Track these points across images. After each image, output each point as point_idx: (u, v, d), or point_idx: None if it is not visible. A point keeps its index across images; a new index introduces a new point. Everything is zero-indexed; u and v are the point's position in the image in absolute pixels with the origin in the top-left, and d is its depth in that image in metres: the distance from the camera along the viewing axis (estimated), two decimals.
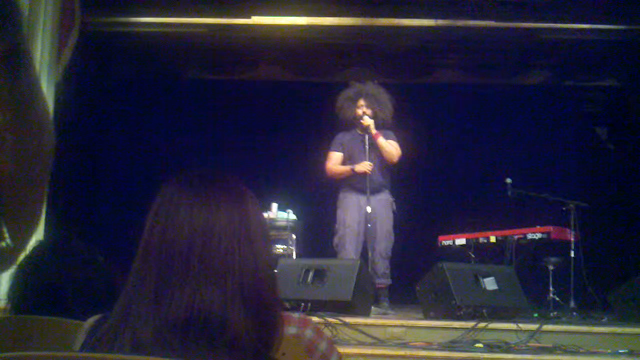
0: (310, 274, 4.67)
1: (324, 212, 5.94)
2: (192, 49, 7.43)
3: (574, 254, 5.61)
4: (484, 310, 4.38)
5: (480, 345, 3.77)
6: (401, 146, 5.48)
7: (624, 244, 6.99)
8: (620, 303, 4.88)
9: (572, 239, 5.66)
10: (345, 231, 5.32)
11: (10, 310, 1.69)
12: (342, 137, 5.57)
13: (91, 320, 1.15)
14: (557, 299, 5.51)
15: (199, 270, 1.04)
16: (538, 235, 5.77)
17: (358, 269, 4.59)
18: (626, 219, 7.13)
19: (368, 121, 5.36)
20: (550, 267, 5.61)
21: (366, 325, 4.09)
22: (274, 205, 6.13)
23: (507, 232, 5.95)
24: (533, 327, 4.05)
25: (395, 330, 4.13)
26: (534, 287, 5.46)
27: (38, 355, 1.03)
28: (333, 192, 5.56)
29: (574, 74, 7.65)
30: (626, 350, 3.83)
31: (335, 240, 5.38)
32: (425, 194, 7.25)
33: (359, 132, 5.46)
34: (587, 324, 4.50)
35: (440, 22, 6.72)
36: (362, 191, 5.31)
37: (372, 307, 4.82)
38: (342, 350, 1.39)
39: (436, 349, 3.71)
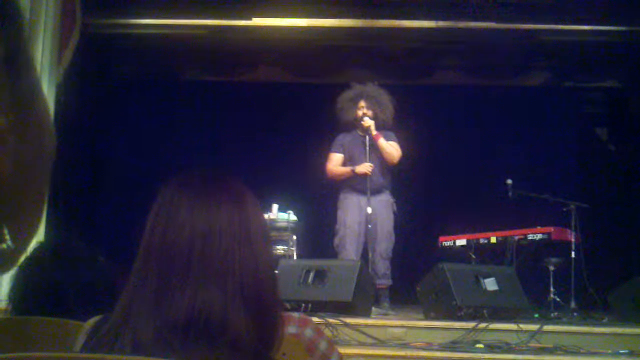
0: (311, 275, 4.67)
1: (324, 213, 5.94)
2: (192, 50, 7.44)
3: (575, 255, 5.61)
4: (484, 311, 4.38)
5: (481, 345, 3.77)
6: (402, 147, 5.48)
7: (625, 244, 6.99)
8: (620, 303, 4.88)
9: (573, 240, 5.65)
10: (346, 232, 5.32)
11: (11, 311, 1.69)
12: (342, 138, 5.58)
13: (92, 321, 1.15)
14: (558, 299, 5.50)
15: (200, 271, 1.04)
16: (539, 236, 5.77)
17: (358, 269, 4.59)
18: (626, 219, 7.13)
19: (368, 122, 5.36)
20: (551, 268, 5.61)
21: (367, 325, 4.09)
22: (275, 206, 6.12)
23: (507, 233, 5.94)
24: (534, 327, 4.05)
25: (396, 330, 4.13)
26: (535, 288, 5.45)
27: (39, 356, 1.03)
28: (333, 193, 5.57)
29: (575, 75, 7.65)
30: (627, 351, 3.82)
31: (336, 241, 5.39)
32: (426, 195, 7.25)
33: (360, 134, 5.47)
34: (587, 325, 4.50)
35: (441, 23, 6.72)
36: (362, 192, 5.31)
37: (373, 308, 4.82)
38: (342, 350, 1.39)
39: (437, 350, 3.71)
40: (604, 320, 4.90)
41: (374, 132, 5.36)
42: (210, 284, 1.04)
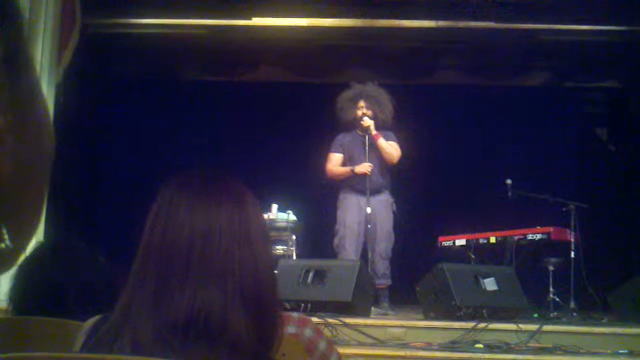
0: (311, 275, 4.67)
1: (324, 213, 5.94)
2: (192, 50, 7.44)
3: (574, 255, 5.61)
4: (484, 311, 4.39)
5: (481, 345, 3.77)
6: (401, 147, 5.48)
7: (624, 244, 7.00)
8: (620, 303, 4.88)
9: (572, 240, 5.65)
10: (346, 232, 5.32)
11: (11, 311, 1.69)
12: (342, 138, 5.58)
13: (91, 320, 1.15)
14: (557, 299, 5.50)
15: (199, 271, 1.04)
16: (538, 236, 5.77)
17: (358, 269, 4.59)
18: (626, 219, 7.13)
19: (368, 122, 5.36)
20: (551, 268, 5.61)
21: (366, 325, 4.09)
22: (274, 206, 6.12)
23: (507, 233, 5.94)
24: (533, 327, 4.05)
25: (395, 330, 4.13)
26: (534, 288, 5.45)
27: (38, 355, 1.03)
28: (333, 193, 5.57)
29: (574, 75, 7.65)
30: (626, 351, 3.83)
31: (336, 241, 5.39)
32: (426, 195, 7.24)
33: (359, 133, 5.47)
34: (587, 325, 4.50)
35: (441, 23, 6.72)
36: (362, 192, 5.31)
37: (372, 308, 4.83)
38: (342, 350, 1.40)
39: (436, 350, 3.71)
40: (603, 320, 4.90)
41: (374, 132, 5.36)
42: (209, 284, 1.04)
